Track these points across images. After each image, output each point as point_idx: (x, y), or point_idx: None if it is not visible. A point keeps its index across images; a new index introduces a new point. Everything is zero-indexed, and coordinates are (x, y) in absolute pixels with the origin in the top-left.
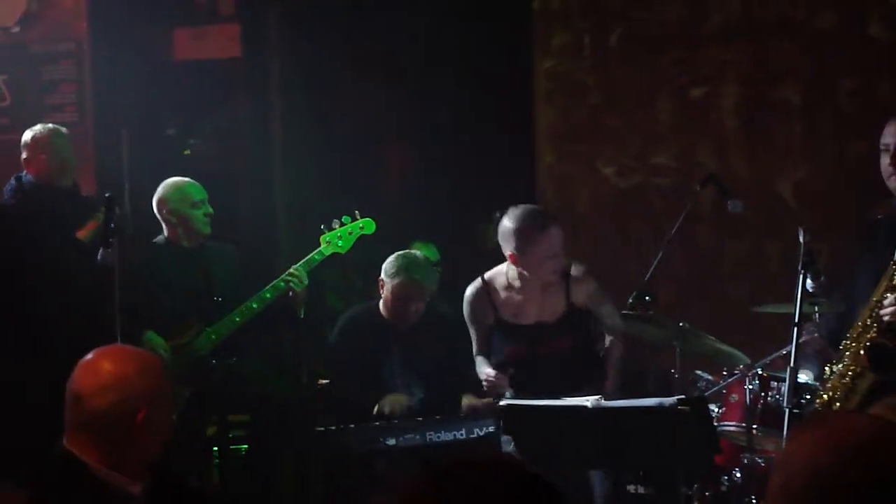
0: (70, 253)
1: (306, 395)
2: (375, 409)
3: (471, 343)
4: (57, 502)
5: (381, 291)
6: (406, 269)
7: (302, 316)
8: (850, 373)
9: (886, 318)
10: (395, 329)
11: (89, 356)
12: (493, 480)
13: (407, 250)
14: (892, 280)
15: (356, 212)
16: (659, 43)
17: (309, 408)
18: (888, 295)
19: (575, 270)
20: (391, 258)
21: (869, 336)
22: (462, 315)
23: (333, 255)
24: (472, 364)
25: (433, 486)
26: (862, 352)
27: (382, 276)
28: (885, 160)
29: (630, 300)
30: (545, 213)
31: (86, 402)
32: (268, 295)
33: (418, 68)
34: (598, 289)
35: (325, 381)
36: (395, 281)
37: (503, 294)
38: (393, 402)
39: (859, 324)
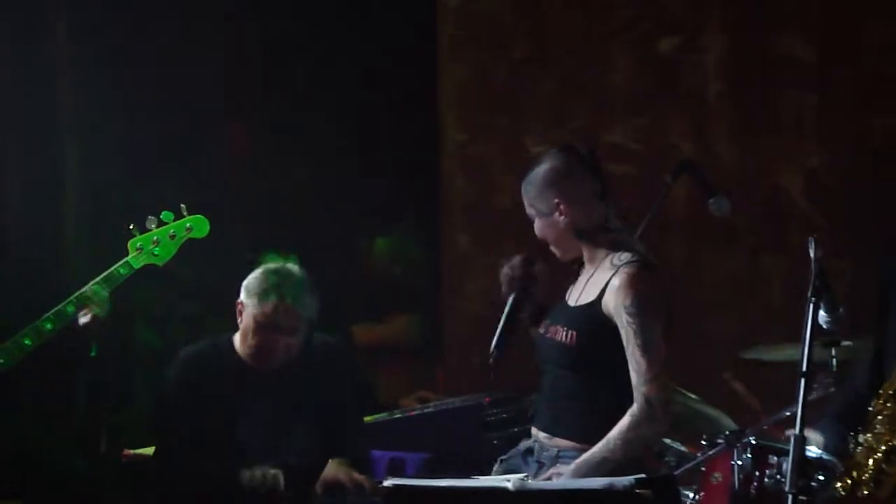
0: None
1: (104, 471)
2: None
3: (362, 386)
4: None
5: (239, 319)
6: (277, 287)
7: (94, 354)
8: (884, 446)
9: None
10: (255, 372)
11: None
12: None
13: (280, 264)
14: None
15: (182, 206)
16: None
17: (108, 488)
18: None
19: (628, 267)
20: (256, 273)
21: None
22: (348, 350)
23: (147, 267)
24: (363, 412)
25: None
26: None
27: (242, 296)
28: None
29: None
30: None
31: None
32: (48, 326)
33: (277, 19)
34: (637, 310)
35: (133, 452)
36: (262, 304)
37: None
38: (255, 474)
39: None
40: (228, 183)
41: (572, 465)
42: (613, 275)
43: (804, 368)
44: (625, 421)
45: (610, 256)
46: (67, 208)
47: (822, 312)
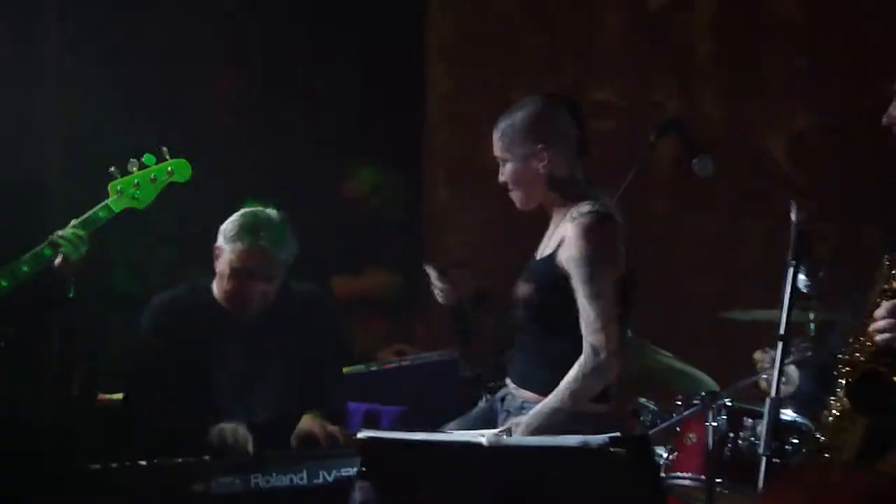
0: None
1: (76, 416)
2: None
3: (339, 337)
4: None
5: (216, 265)
6: (252, 229)
7: (72, 296)
8: (841, 409)
9: (878, 339)
10: (232, 319)
11: None
12: None
13: (259, 208)
14: (888, 281)
15: (164, 149)
16: None
17: (80, 435)
18: (881, 302)
19: (584, 217)
20: (234, 216)
21: (857, 361)
22: (326, 300)
23: (128, 210)
24: (341, 363)
25: None
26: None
27: (219, 240)
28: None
29: None
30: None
31: None
32: (24, 268)
33: None
34: (587, 260)
35: (108, 397)
36: (236, 246)
37: None
38: (227, 431)
39: (852, 341)
40: (211, 128)
41: (526, 418)
42: (574, 219)
43: (782, 332)
44: (573, 371)
45: (572, 209)
46: (48, 150)
47: (801, 276)
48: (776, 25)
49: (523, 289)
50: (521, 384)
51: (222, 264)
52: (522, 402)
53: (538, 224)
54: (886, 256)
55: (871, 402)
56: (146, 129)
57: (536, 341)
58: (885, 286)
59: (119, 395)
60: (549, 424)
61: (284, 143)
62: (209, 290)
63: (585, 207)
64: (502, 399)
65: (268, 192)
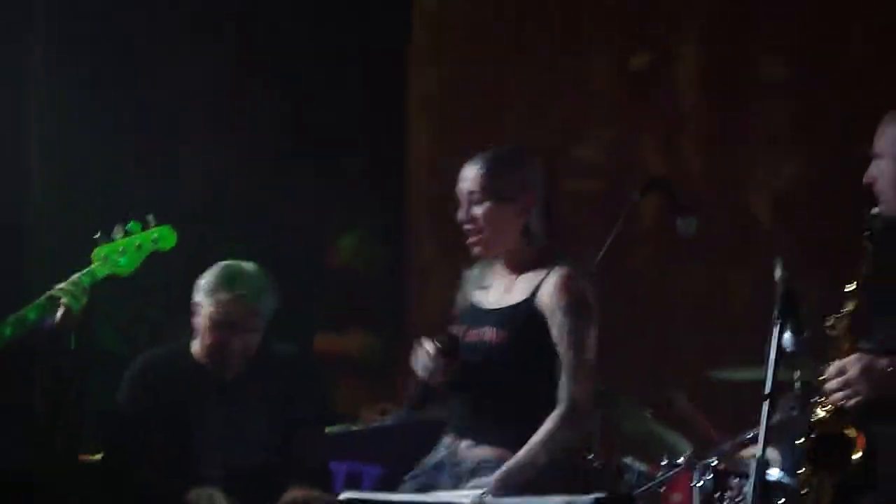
0: None
1: (63, 475)
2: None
3: (321, 397)
4: None
5: (195, 321)
6: (230, 281)
7: (73, 347)
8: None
9: (832, 399)
10: (212, 378)
11: None
12: None
13: (235, 262)
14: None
15: (149, 217)
16: None
17: (63, 492)
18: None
19: (568, 269)
20: (210, 271)
21: (818, 420)
22: (308, 359)
23: (110, 277)
24: (320, 426)
25: None
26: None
27: (197, 296)
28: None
29: None
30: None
31: None
32: (7, 331)
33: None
34: (573, 310)
35: (94, 457)
36: (214, 298)
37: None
38: (203, 498)
39: (813, 402)
40: (197, 191)
41: (497, 475)
42: (548, 274)
43: (768, 391)
44: (549, 424)
45: (540, 259)
46: (32, 213)
47: (787, 334)
48: (762, 82)
49: (489, 335)
50: (479, 441)
51: (202, 319)
52: (480, 462)
53: None
54: (828, 317)
55: (830, 460)
56: (132, 192)
57: (501, 390)
58: (835, 345)
59: (99, 455)
60: (522, 482)
61: (267, 201)
62: (189, 350)
63: (564, 262)
64: (438, 465)
65: (252, 254)
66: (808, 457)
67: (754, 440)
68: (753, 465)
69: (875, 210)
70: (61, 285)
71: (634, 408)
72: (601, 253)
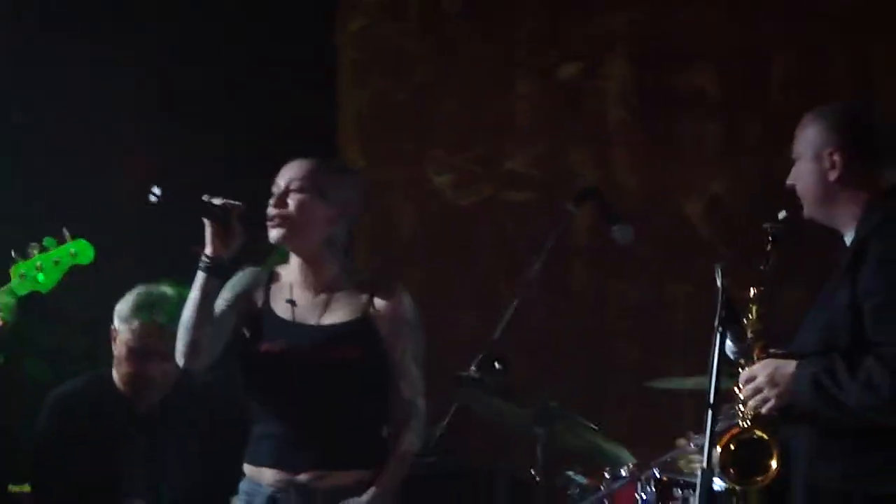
0: None
1: None
2: None
3: (238, 431)
4: None
5: (113, 348)
6: (147, 307)
7: (1, 361)
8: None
9: (746, 407)
10: (132, 406)
11: None
12: None
13: (153, 286)
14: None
15: (64, 231)
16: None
17: None
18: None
19: (398, 288)
20: (126, 297)
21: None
22: (229, 385)
23: (31, 295)
24: (239, 461)
25: None
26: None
27: (115, 322)
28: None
29: (473, 366)
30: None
31: None
32: None
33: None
34: (413, 324)
35: (17, 489)
36: (131, 325)
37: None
38: None
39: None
40: (116, 209)
41: (374, 492)
42: (377, 291)
43: (711, 400)
44: (407, 435)
45: (342, 270)
46: None
47: (728, 342)
48: (690, 94)
49: (330, 351)
50: (326, 466)
51: (119, 346)
52: (332, 491)
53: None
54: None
55: (747, 466)
56: (46, 210)
57: (341, 410)
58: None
59: (27, 487)
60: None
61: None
62: (110, 379)
63: (369, 275)
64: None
65: (177, 272)
66: (727, 465)
67: (698, 451)
68: (699, 474)
69: (782, 214)
70: None
71: (576, 421)
72: (537, 263)
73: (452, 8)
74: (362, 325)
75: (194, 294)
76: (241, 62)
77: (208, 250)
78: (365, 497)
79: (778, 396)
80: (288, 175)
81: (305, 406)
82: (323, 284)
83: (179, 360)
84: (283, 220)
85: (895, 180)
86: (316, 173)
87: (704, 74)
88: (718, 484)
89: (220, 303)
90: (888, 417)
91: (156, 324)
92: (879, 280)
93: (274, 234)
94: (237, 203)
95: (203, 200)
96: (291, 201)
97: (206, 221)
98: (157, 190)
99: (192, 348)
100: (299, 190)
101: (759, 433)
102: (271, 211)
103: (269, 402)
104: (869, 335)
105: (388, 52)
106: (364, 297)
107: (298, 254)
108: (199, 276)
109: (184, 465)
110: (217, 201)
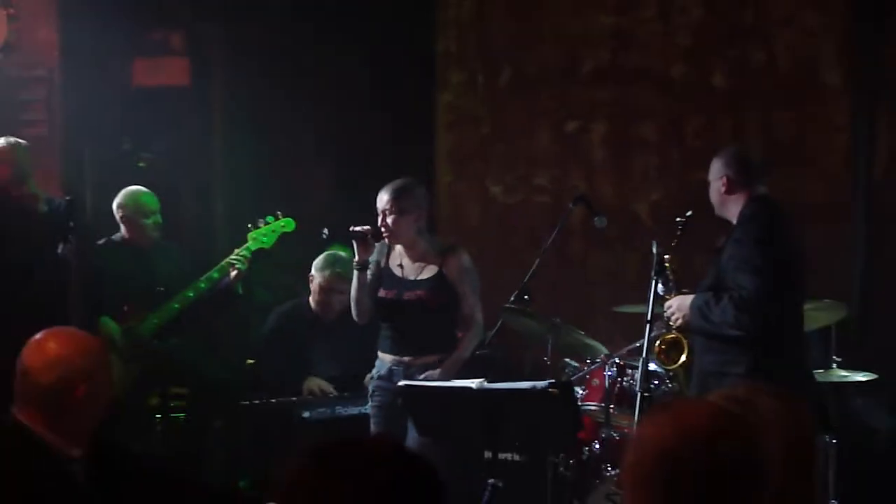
0: (29, 251)
1: (235, 374)
2: (304, 389)
3: (375, 336)
4: (6, 464)
5: (311, 286)
6: (332, 263)
7: (240, 292)
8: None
9: (671, 323)
10: (320, 321)
11: (38, 336)
12: (373, 460)
13: (335, 250)
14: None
15: (277, 212)
16: (540, 83)
17: (237, 384)
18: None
19: (457, 249)
20: (320, 257)
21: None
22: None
23: (259, 250)
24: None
25: (316, 466)
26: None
27: (312, 271)
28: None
29: (511, 298)
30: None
31: (32, 377)
32: (215, 275)
33: (340, 100)
34: (473, 274)
35: (251, 362)
36: (323, 274)
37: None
38: (314, 384)
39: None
40: (311, 203)
41: (443, 367)
42: (446, 255)
43: (649, 318)
44: (468, 337)
45: (428, 245)
46: (217, 221)
47: (660, 286)
48: (640, 140)
49: (418, 294)
50: (420, 353)
51: (314, 285)
52: (424, 365)
53: (512, 261)
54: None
55: (669, 355)
56: (275, 206)
57: (430, 325)
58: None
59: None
60: (456, 370)
61: (350, 215)
62: (307, 303)
63: (440, 244)
64: (387, 375)
65: (344, 241)
66: (658, 354)
67: (641, 347)
68: (641, 361)
69: (689, 213)
70: (231, 256)
71: (571, 328)
72: (549, 241)
73: (504, 85)
74: (439, 277)
75: (354, 283)
76: (379, 119)
77: (357, 258)
78: (439, 370)
79: (683, 317)
80: (380, 205)
81: (407, 322)
82: (417, 255)
83: (356, 318)
84: (389, 232)
85: (761, 191)
86: (394, 200)
87: (648, 128)
88: (653, 366)
89: (368, 275)
90: (733, 331)
91: (337, 273)
92: (741, 250)
93: (386, 240)
94: (368, 227)
95: (350, 230)
96: (389, 220)
97: (353, 241)
98: (326, 230)
99: (360, 311)
100: (390, 212)
101: (676, 335)
102: (381, 227)
103: (388, 319)
104: (729, 283)
105: (465, 113)
106: (439, 260)
107: (401, 243)
108: (355, 273)
109: (347, 354)
110: (358, 229)
